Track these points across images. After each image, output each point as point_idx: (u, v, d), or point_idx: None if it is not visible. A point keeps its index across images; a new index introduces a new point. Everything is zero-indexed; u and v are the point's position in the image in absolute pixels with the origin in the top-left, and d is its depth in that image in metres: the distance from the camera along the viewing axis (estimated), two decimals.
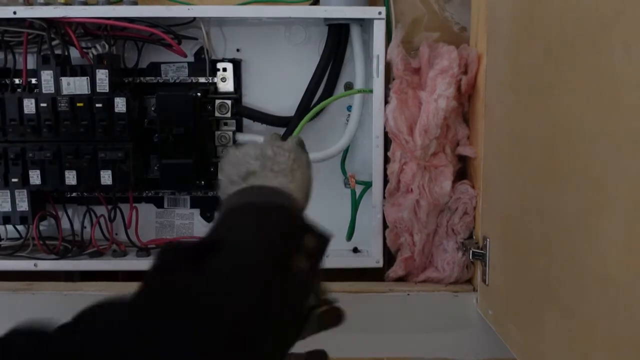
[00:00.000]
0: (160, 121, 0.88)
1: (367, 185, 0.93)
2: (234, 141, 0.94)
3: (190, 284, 0.39)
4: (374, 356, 0.89)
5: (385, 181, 0.90)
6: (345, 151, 0.96)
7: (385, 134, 0.88)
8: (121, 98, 0.87)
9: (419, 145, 0.83)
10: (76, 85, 0.88)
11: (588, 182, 0.51)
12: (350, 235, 0.94)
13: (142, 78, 0.92)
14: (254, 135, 0.94)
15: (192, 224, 0.98)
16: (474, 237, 0.87)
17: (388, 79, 0.89)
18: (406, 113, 0.84)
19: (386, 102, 0.87)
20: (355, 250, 0.96)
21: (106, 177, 0.88)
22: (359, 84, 0.92)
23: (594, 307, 0.51)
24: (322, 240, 0.48)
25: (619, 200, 0.47)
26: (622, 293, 0.47)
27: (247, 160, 0.55)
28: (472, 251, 0.84)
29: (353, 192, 0.87)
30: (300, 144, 0.59)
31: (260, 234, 0.45)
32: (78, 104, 0.87)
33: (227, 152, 0.58)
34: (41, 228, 0.93)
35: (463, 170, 0.91)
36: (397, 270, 0.90)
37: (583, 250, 0.53)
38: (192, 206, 0.98)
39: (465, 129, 0.88)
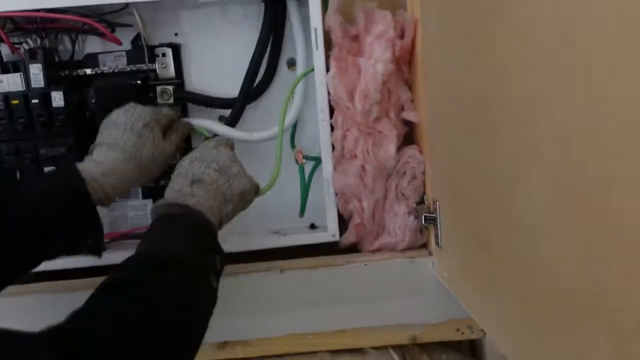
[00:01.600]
0: (101, 113, 0.86)
1: (318, 160, 0.93)
2: None
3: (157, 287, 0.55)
4: (338, 328, 0.90)
5: None
6: (294, 128, 0.95)
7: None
8: (58, 92, 0.85)
9: (359, 111, 0.83)
10: (9, 82, 0.85)
11: (518, 139, 0.52)
12: (302, 211, 0.94)
13: (79, 70, 0.90)
14: (201, 120, 0.93)
15: (146, 215, 0.96)
16: (425, 202, 0.88)
17: (329, 51, 0.89)
18: (346, 80, 0.84)
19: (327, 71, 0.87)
20: (313, 226, 0.96)
21: None
22: (300, 59, 0.91)
23: (526, 256, 0.52)
24: (224, 263, 0.63)
25: (544, 154, 0.48)
26: (548, 240, 0.48)
27: (213, 160, 0.68)
28: (424, 216, 0.85)
29: (301, 168, 0.87)
30: (257, 188, 0.74)
31: (198, 246, 0.61)
32: (13, 102, 0.84)
33: (206, 144, 0.69)
34: None
35: (411, 136, 0.92)
36: (348, 237, 0.90)
37: (515, 204, 0.54)
38: (145, 197, 0.97)
39: (408, 93, 0.88)
